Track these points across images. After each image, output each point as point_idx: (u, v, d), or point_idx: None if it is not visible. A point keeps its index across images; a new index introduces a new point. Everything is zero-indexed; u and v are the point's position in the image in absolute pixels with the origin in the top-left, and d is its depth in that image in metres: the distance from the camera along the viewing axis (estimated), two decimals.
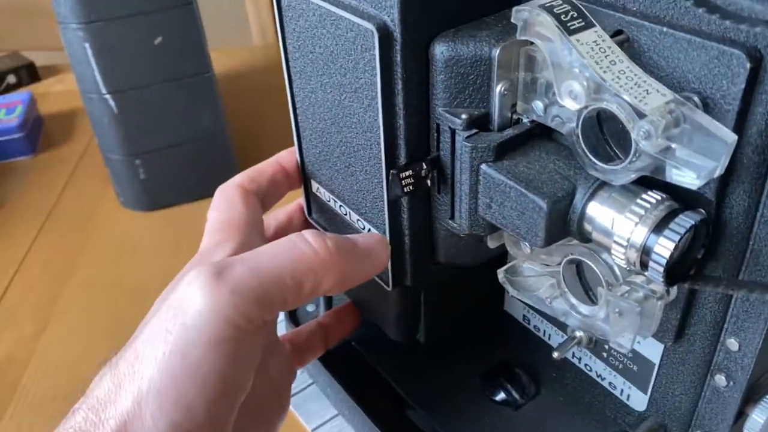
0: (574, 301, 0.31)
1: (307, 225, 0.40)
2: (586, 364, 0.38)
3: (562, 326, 0.39)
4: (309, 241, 0.28)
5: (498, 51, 0.27)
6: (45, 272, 0.66)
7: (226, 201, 0.34)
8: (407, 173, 0.29)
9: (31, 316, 0.60)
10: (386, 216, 0.32)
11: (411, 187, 0.30)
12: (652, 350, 0.34)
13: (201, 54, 0.63)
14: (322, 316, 0.41)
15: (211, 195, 0.71)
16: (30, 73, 1.07)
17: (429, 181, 0.30)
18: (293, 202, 0.41)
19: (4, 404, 0.52)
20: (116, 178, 0.70)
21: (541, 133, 0.29)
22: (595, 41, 0.25)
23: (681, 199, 0.26)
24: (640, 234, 0.25)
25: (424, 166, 0.30)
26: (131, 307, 0.60)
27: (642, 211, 0.25)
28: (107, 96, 0.62)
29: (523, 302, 0.41)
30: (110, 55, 0.60)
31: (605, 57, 0.25)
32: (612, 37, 0.25)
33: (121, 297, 0.61)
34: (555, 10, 0.25)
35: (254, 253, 0.27)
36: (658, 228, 0.25)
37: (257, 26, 1.20)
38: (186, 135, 0.66)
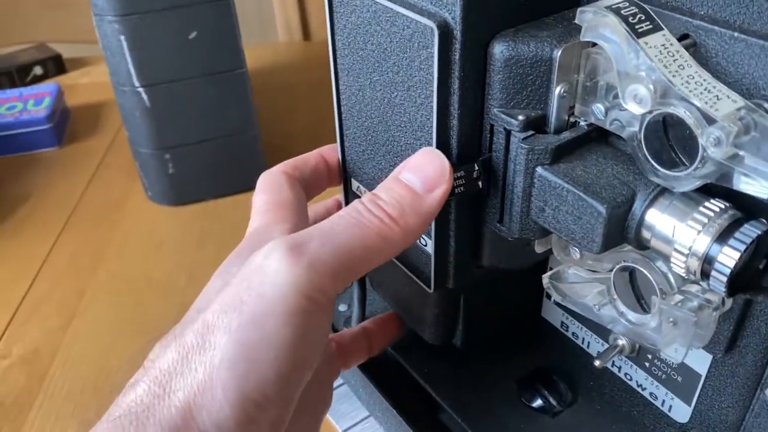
0: (623, 308, 0.31)
1: None
2: (626, 373, 0.38)
3: (602, 334, 0.39)
4: (373, 212, 0.28)
5: (560, 52, 0.27)
6: (71, 266, 0.66)
7: (273, 185, 0.34)
8: (458, 174, 0.29)
9: (57, 308, 0.60)
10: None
11: (462, 189, 0.29)
12: (700, 361, 0.33)
13: (235, 49, 0.63)
14: (366, 322, 0.41)
15: (238, 192, 0.71)
16: (56, 65, 1.07)
17: (480, 183, 0.30)
18: (331, 197, 0.41)
19: (32, 395, 0.52)
20: (145, 171, 0.70)
21: (598, 137, 0.29)
22: (663, 45, 0.24)
23: (742, 207, 0.25)
24: (702, 243, 0.25)
25: (476, 167, 0.29)
26: (157, 301, 0.60)
27: (705, 220, 0.25)
28: (140, 89, 0.62)
29: (563, 309, 0.41)
30: (145, 48, 0.59)
31: (674, 61, 0.24)
32: (678, 41, 0.25)
33: (147, 290, 0.61)
34: (622, 11, 0.24)
35: (327, 228, 0.27)
36: (722, 237, 0.25)
37: (283, 23, 1.20)
38: (216, 130, 0.66)
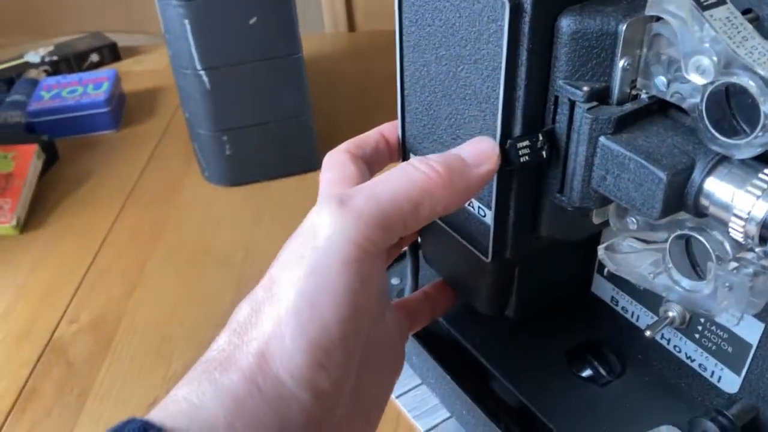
0: (678, 276, 0.32)
1: None
2: (675, 346, 0.39)
3: (652, 307, 0.40)
4: (418, 167, 0.29)
5: (625, 26, 0.28)
6: (132, 240, 0.69)
7: (337, 163, 0.36)
8: (524, 143, 0.30)
9: (120, 279, 0.64)
10: (494, 189, 0.33)
11: (527, 158, 0.31)
12: (751, 331, 0.34)
13: (292, 36, 0.65)
14: (426, 287, 0.43)
15: (291, 174, 0.73)
16: (112, 53, 1.11)
17: (544, 153, 0.31)
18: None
19: (101, 357, 0.55)
20: (202, 152, 0.73)
21: (659, 110, 0.30)
22: (727, 17, 0.25)
23: None
24: (761, 208, 0.26)
25: (540, 137, 0.31)
26: (215, 273, 0.62)
27: (764, 185, 0.26)
28: (201, 72, 0.64)
29: (614, 284, 0.42)
30: (207, 32, 0.62)
31: (737, 33, 0.25)
32: (742, 14, 0.26)
33: (206, 263, 0.64)
34: None
35: (372, 183, 0.29)
36: None
37: (330, 15, 1.22)
38: (272, 114, 0.69)
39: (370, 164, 0.38)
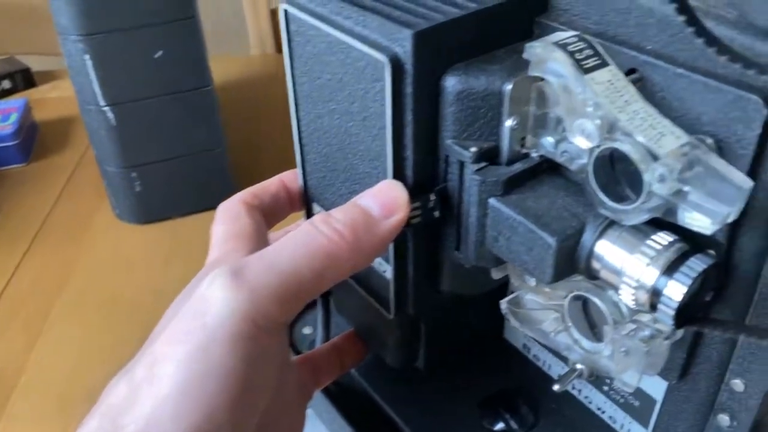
0: (578, 336, 0.31)
1: None
2: (586, 396, 0.38)
3: (563, 357, 0.39)
4: (322, 230, 0.27)
5: (510, 86, 0.27)
6: (37, 283, 0.65)
7: (231, 215, 0.34)
8: (415, 205, 0.29)
9: (22, 328, 0.60)
10: (392, 245, 0.32)
11: (418, 219, 0.29)
12: (655, 387, 0.33)
13: (201, 68, 0.62)
14: (336, 338, 0.41)
15: (206, 209, 0.71)
16: (25, 79, 1.06)
17: (436, 213, 0.30)
18: (293, 224, 0.41)
19: None
20: (112, 189, 0.69)
21: (549, 169, 0.29)
22: (609, 80, 0.25)
23: (691, 240, 0.26)
24: (650, 275, 0.25)
25: (432, 198, 0.29)
26: (124, 321, 0.59)
27: (653, 253, 0.25)
28: (105, 108, 0.61)
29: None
30: (110, 67, 0.59)
31: (620, 96, 0.24)
32: (625, 75, 0.25)
33: (114, 310, 0.61)
34: (569, 47, 0.25)
35: (271, 250, 0.27)
36: (670, 270, 0.25)
37: (256, 36, 1.20)
38: (183, 148, 0.66)
39: (269, 215, 0.36)
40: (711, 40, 0.22)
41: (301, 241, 0.27)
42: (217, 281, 0.25)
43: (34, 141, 0.90)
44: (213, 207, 0.68)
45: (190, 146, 0.66)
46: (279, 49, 1.23)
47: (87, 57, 0.58)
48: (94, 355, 0.56)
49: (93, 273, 0.66)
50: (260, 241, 0.33)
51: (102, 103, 0.60)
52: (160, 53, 0.59)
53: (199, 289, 0.26)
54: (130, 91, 0.61)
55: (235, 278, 0.25)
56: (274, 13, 1.19)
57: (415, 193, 0.30)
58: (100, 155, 0.66)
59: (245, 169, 0.70)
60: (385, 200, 0.29)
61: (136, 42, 0.58)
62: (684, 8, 0.22)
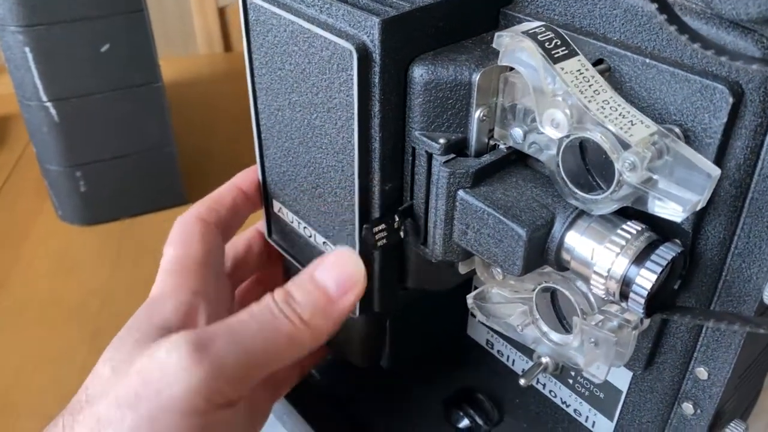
0: (546, 328, 0.31)
1: (266, 249, 0.39)
2: (550, 391, 0.38)
3: (526, 351, 0.39)
4: (286, 313, 0.27)
5: (478, 76, 0.26)
6: None
7: (184, 236, 0.32)
8: (380, 227, 0.29)
9: None
10: (356, 241, 0.31)
11: (384, 240, 0.29)
12: (620, 378, 0.33)
13: (150, 63, 0.60)
14: None
15: (155, 209, 0.68)
16: None
17: (402, 233, 0.29)
18: (251, 227, 0.40)
19: None
20: (54, 190, 0.66)
21: (517, 160, 0.29)
22: (578, 70, 0.25)
23: (658, 229, 0.26)
24: (620, 265, 0.25)
25: (396, 218, 0.29)
26: (67, 328, 0.56)
27: (622, 242, 0.25)
28: (48, 104, 0.58)
29: (488, 327, 0.41)
30: (52, 60, 0.56)
31: (589, 86, 0.24)
32: (593, 66, 0.25)
33: (57, 316, 0.58)
34: (539, 37, 0.25)
35: (236, 327, 0.27)
36: (639, 259, 0.25)
37: (203, 35, 1.17)
38: (130, 146, 0.64)
39: (227, 227, 0.35)
40: (682, 27, 0.22)
41: (266, 321, 0.27)
42: (178, 351, 0.25)
43: None
44: (162, 207, 0.67)
45: (139, 144, 0.64)
46: (227, 48, 1.20)
47: (27, 50, 0.55)
48: (35, 365, 0.53)
49: (34, 278, 0.63)
50: (209, 274, 0.32)
51: (44, 98, 0.58)
52: (106, 47, 0.57)
53: (155, 353, 0.25)
54: (74, 86, 0.58)
55: (196, 352, 0.25)
56: (222, 12, 1.17)
57: (381, 216, 0.29)
58: (42, 154, 0.63)
59: (195, 168, 0.68)
60: (342, 277, 0.29)
61: (81, 34, 0.56)
62: (671, 18, 0.22)
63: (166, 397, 0.24)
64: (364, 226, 0.29)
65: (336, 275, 0.29)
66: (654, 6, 0.22)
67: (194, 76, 1.04)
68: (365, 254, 0.31)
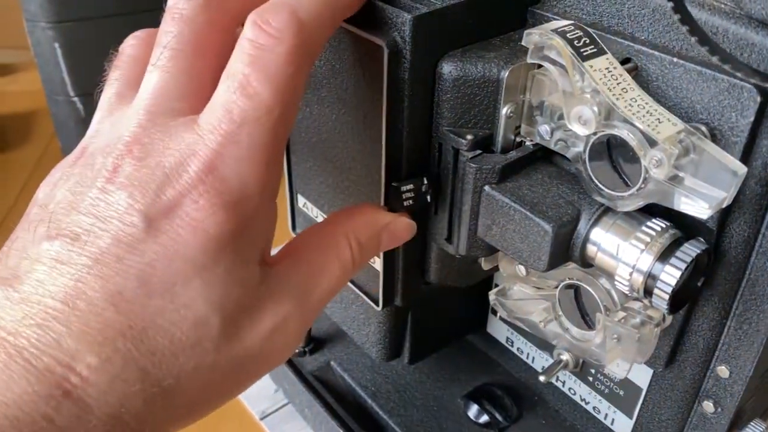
0: (568, 325, 0.31)
1: None
2: (570, 388, 0.38)
3: (546, 349, 0.39)
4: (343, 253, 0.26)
5: (507, 73, 0.27)
6: None
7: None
8: (408, 187, 0.29)
9: None
10: None
11: (411, 202, 0.29)
12: (641, 375, 0.34)
13: None
14: None
15: None
16: None
17: (429, 197, 0.30)
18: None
19: None
20: None
21: (543, 157, 0.29)
22: (607, 68, 0.25)
23: (682, 227, 0.26)
24: (645, 261, 0.25)
25: (425, 181, 0.29)
26: None
27: (648, 239, 0.25)
28: (75, 99, 0.59)
29: (508, 325, 0.41)
30: (81, 56, 0.57)
31: (617, 84, 0.25)
32: (621, 64, 0.26)
33: None
34: (568, 35, 0.25)
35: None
36: (664, 256, 0.25)
37: None
38: None
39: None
40: (703, 39, 0.22)
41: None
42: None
43: None
44: None
45: None
46: None
47: (57, 45, 0.56)
48: None
49: None
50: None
51: (71, 93, 0.59)
52: None
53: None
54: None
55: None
56: None
57: (409, 176, 0.29)
58: (68, 148, 0.64)
59: None
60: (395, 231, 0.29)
61: (110, 31, 0.57)
62: (679, 6, 0.22)
63: None
64: (393, 184, 0.29)
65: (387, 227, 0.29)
66: (677, 17, 0.22)
67: None
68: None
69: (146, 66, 0.24)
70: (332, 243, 0.26)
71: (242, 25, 0.23)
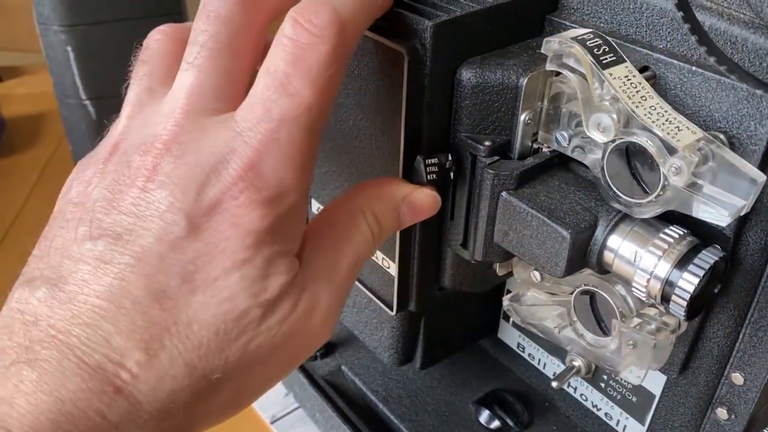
0: (583, 331, 0.31)
1: None
2: (581, 394, 0.38)
3: (558, 355, 0.39)
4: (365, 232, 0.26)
5: (525, 80, 0.27)
6: (9, 285, 0.63)
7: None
8: (432, 161, 0.28)
9: None
10: (398, 240, 0.32)
11: (434, 176, 0.29)
12: (654, 382, 0.34)
13: None
14: None
15: None
16: None
17: (452, 174, 0.29)
18: None
19: None
20: None
21: (560, 163, 0.29)
22: (626, 76, 0.25)
23: (699, 234, 0.26)
24: (663, 268, 0.26)
25: (450, 158, 0.29)
26: None
27: (665, 246, 0.26)
28: (86, 102, 0.60)
29: (520, 330, 0.41)
30: (92, 60, 0.58)
31: (636, 92, 0.25)
32: (639, 72, 0.26)
33: None
34: (588, 43, 0.25)
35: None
36: (682, 263, 0.25)
37: None
38: None
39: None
40: (702, 39, 0.22)
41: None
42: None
43: (2, 137, 0.87)
44: None
45: None
46: None
47: (69, 48, 0.56)
48: None
49: None
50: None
51: (83, 96, 0.59)
52: None
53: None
54: (112, 85, 0.59)
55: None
56: None
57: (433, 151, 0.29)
58: (78, 151, 0.65)
59: None
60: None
61: (122, 35, 0.57)
62: (695, 29, 0.22)
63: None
64: (418, 156, 0.28)
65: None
66: (695, 38, 0.22)
67: None
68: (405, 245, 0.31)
69: (175, 61, 0.24)
70: (350, 221, 0.26)
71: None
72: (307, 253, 0.25)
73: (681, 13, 0.22)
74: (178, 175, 0.21)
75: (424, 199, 0.28)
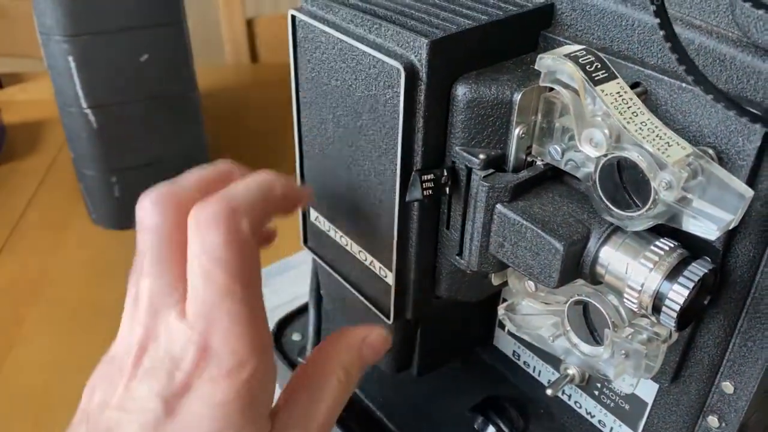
0: (576, 340, 0.32)
1: None
2: (576, 401, 0.39)
3: (553, 363, 0.40)
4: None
5: (519, 95, 0.28)
6: (9, 292, 0.63)
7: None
8: (428, 176, 0.29)
9: None
10: (394, 250, 0.32)
11: (430, 191, 0.29)
12: (646, 390, 0.34)
13: (187, 73, 0.62)
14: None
15: None
16: None
17: (447, 189, 0.30)
18: None
19: None
20: (89, 194, 0.68)
21: (553, 176, 0.30)
22: (618, 92, 0.26)
23: (689, 246, 0.27)
24: (653, 280, 0.26)
25: (445, 173, 0.30)
26: (102, 330, 0.58)
27: (656, 258, 0.26)
28: (87, 110, 0.60)
29: (515, 338, 0.42)
30: (94, 69, 0.58)
31: (628, 108, 0.25)
32: (630, 88, 0.26)
33: (92, 318, 0.60)
34: (580, 60, 0.26)
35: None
36: (672, 275, 0.26)
37: (231, 46, 1.20)
38: (164, 153, 0.65)
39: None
40: (708, 87, 0.23)
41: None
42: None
43: (2, 143, 0.88)
44: None
45: (172, 151, 0.65)
46: (254, 59, 1.23)
47: (71, 58, 0.57)
48: (72, 365, 0.55)
49: (69, 280, 0.65)
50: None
51: (84, 105, 0.60)
52: (145, 57, 0.58)
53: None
54: (113, 93, 0.60)
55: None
56: (249, 23, 1.19)
57: (428, 166, 0.30)
58: (79, 159, 0.65)
59: None
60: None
61: (122, 45, 0.58)
62: (682, 59, 0.23)
63: None
64: (415, 171, 0.29)
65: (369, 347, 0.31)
66: (683, 67, 0.23)
67: (222, 85, 1.06)
68: (402, 255, 0.32)
69: (174, 240, 0.27)
70: (322, 376, 0.30)
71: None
72: (284, 408, 0.28)
73: (662, 32, 0.23)
74: (154, 367, 0.25)
75: (377, 339, 0.31)
